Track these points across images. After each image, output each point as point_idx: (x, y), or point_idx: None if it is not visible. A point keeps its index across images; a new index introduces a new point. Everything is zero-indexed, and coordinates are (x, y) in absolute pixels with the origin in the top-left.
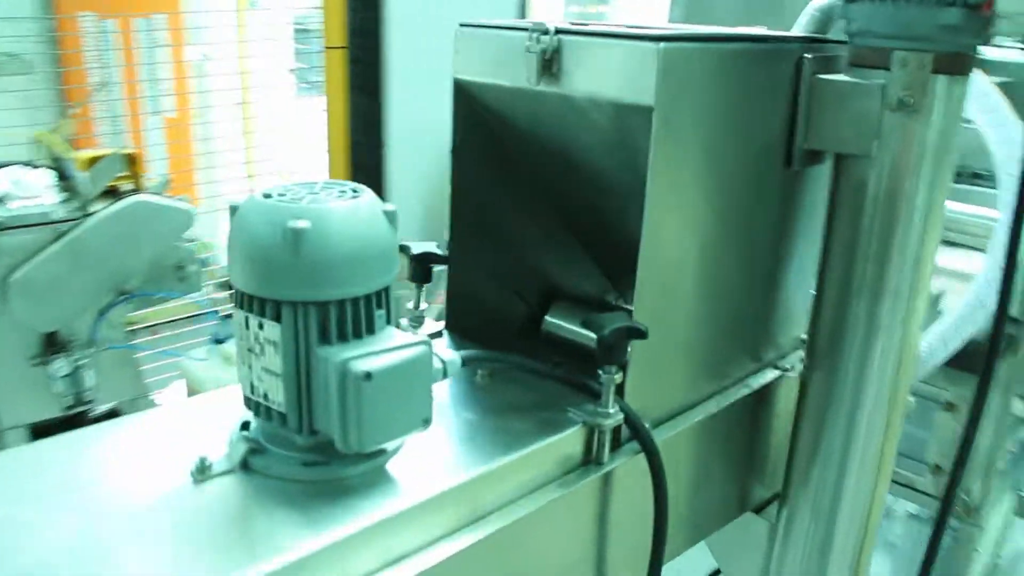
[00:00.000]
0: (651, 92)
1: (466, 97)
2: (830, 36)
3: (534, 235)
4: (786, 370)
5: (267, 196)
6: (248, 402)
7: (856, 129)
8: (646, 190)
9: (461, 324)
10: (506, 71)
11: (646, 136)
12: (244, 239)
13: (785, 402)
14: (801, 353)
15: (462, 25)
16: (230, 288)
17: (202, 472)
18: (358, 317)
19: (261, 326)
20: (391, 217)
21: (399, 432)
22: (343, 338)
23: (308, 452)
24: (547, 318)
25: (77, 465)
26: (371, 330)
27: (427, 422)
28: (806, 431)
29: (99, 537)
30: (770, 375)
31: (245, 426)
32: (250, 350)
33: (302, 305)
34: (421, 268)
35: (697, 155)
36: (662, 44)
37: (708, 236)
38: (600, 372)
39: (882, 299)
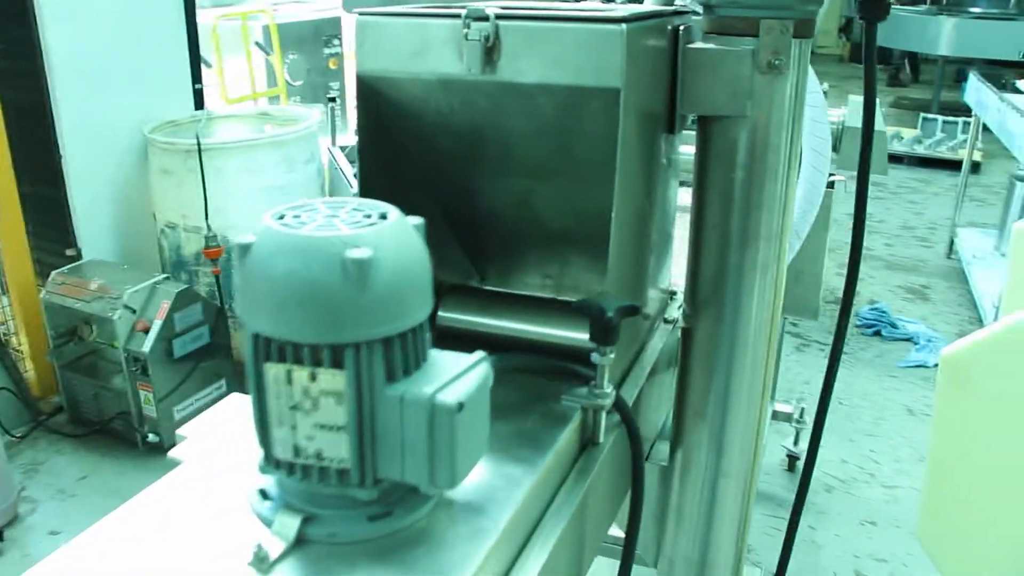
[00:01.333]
0: (618, 74)
1: (373, 93)
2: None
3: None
4: (674, 322)
5: (286, 227)
6: (287, 467)
7: (731, 92)
8: (617, 167)
9: None
10: (429, 61)
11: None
12: (285, 280)
13: (667, 352)
14: (673, 304)
15: (362, 14)
16: None
17: (263, 561)
18: (418, 346)
19: (314, 377)
20: (421, 231)
21: (477, 458)
22: (407, 372)
23: (370, 506)
24: (440, 313)
25: None
26: (425, 357)
27: (487, 441)
28: (697, 372)
29: None
30: (665, 330)
31: (264, 494)
32: (294, 408)
33: (367, 345)
34: None
35: (635, 128)
36: (624, 25)
37: (638, 204)
38: (595, 355)
39: (758, 244)
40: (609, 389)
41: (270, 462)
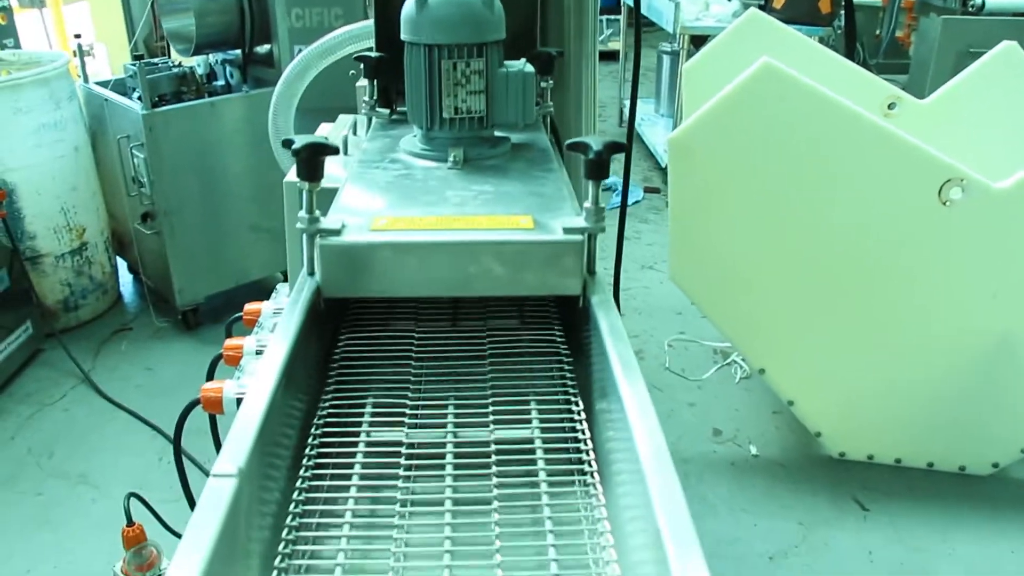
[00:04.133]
0: None
1: None
2: None
3: None
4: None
5: None
6: (449, 123)
7: None
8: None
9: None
10: None
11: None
12: (455, 10)
13: None
14: None
15: None
16: None
17: (457, 163)
18: (503, 49)
19: (468, 64)
20: None
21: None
22: (503, 64)
23: (491, 140)
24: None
25: None
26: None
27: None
28: (561, 127)
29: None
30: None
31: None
32: (456, 84)
33: (493, 43)
34: (376, 67)
35: None
36: None
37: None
38: (542, 83)
39: (585, 61)
40: (550, 104)
41: (434, 124)
